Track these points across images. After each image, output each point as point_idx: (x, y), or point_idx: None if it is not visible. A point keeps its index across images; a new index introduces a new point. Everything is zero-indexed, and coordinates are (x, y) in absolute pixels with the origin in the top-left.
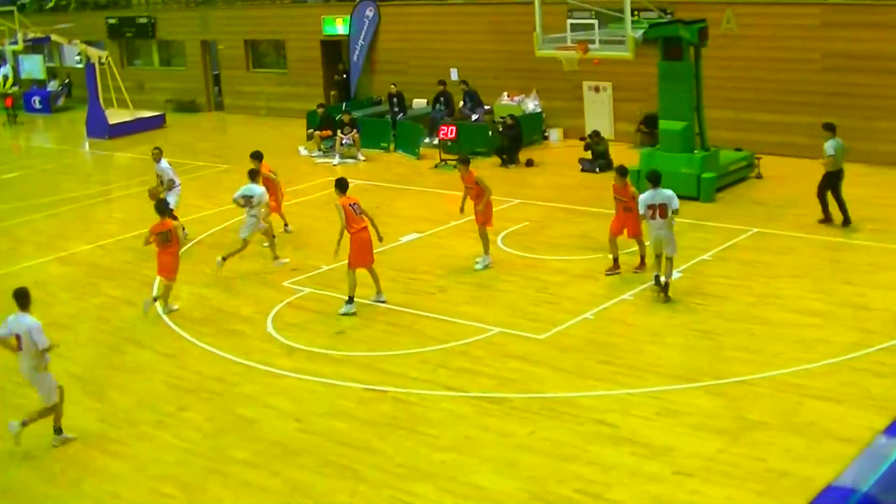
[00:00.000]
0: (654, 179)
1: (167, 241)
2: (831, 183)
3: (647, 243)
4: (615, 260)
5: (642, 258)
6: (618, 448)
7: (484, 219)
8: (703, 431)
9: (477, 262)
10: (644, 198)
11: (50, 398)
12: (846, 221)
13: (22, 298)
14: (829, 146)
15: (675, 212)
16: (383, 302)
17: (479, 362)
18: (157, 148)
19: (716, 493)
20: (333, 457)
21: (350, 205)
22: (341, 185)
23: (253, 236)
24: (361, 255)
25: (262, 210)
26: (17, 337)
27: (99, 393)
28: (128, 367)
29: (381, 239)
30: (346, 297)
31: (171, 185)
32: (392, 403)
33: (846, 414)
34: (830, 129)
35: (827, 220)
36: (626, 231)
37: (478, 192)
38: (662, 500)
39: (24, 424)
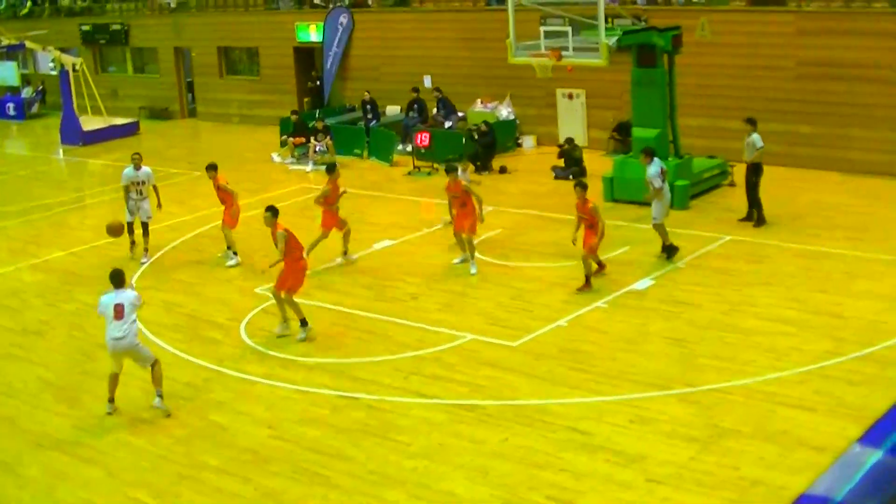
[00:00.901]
0: (651, 152)
1: None
2: (758, 176)
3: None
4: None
5: (588, 278)
6: (591, 455)
7: (470, 225)
8: (676, 439)
9: (466, 264)
10: (655, 171)
11: (151, 357)
12: (761, 220)
13: (117, 278)
14: (757, 139)
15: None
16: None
17: (452, 369)
18: (137, 154)
19: (688, 501)
20: (306, 463)
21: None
22: (274, 211)
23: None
24: (299, 282)
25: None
26: (119, 307)
27: (72, 399)
28: (101, 374)
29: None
30: (300, 321)
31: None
32: (365, 410)
33: (819, 422)
34: (752, 123)
35: (760, 220)
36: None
37: (464, 201)
38: None
39: (161, 395)
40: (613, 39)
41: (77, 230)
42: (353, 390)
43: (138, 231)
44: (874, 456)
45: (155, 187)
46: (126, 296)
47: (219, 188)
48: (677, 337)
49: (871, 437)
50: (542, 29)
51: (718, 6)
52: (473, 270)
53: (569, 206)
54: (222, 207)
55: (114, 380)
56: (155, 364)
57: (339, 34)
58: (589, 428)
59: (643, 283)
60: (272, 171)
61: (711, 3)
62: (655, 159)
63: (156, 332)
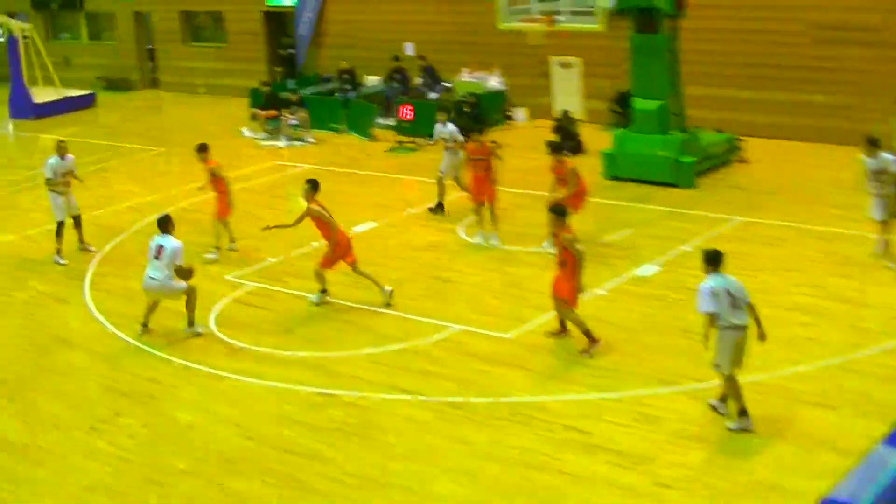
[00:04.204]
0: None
1: None
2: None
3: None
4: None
5: (563, 322)
6: (591, 457)
7: (491, 192)
8: (685, 439)
9: (488, 240)
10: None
11: (183, 288)
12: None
13: (164, 222)
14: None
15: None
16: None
17: (439, 363)
18: (62, 140)
19: None
20: (280, 466)
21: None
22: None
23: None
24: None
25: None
26: (160, 248)
27: (24, 396)
28: (57, 369)
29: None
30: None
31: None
32: (344, 408)
33: (842, 421)
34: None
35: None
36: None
37: (489, 164)
38: None
39: (192, 323)
40: (611, 2)
41: (30, 211)
42: (331, 386)
43: (70, 232)
44: None
45: (76, 176)
46: (169, 241)
47: (212, 173)
48: (686, 328)
49: None
50: None
51: None
52: (496, 242)
53: None
54: (212, 194)
55: (151, 307)
56: (190, 293)
57: None
58: (589, 427)
59: (648, 269)
60: (242, 147)
61: None
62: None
63: (116, 322)
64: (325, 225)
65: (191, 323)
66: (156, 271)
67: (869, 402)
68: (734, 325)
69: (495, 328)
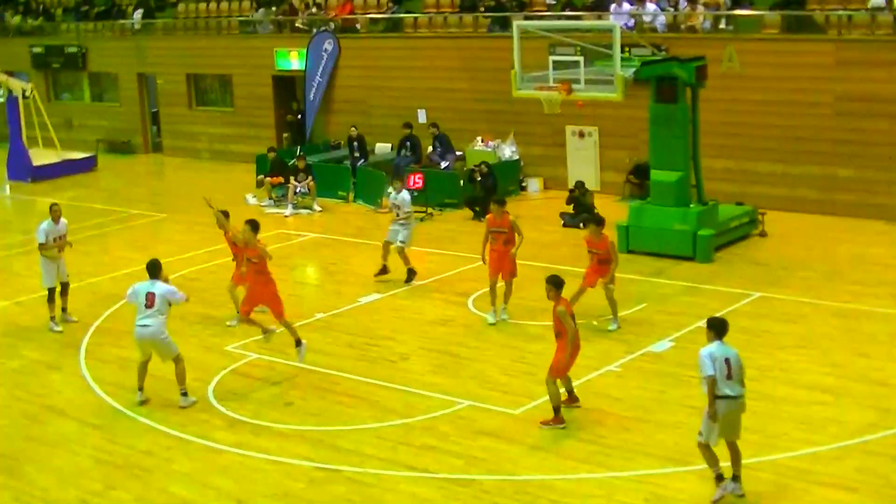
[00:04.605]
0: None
1: None
2: None
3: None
4: (569, 392)
5: (570, 392)
6: None
7: (512, 268)
8: None
9: (498, 315)
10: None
11: (175, 351)
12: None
13: (153, 268)
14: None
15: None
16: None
17: (445, 439)
18: (56, 204)
19: None
20: None
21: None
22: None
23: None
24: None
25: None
26: (151, 295)
27: (14, 468)
28: (48, 440)
29: None
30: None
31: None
32: (346, 484)
33: None
34: None
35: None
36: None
37: (509, 238)
38: None
39: (185, 394)
40: (630, 71)
41: (24, 277)
42: (333, 461)
43: (59, 300)
44: None
45: (68, 242)
46: (160, 287)
47: (234, 243)
48: (699, 406)
49: None
50: (550, 59)
51: (748, 34)
52: (504, 316)
53: (579, 258)
54: (227, 260)
55: (142, 368)
56: (178, 360)
57: (323, 62)
58: None
59: (662, 345)
60: (247, 215)
61: (740, 30)
62: None
63: (112, 392)
64: (258, 265)
65: (184, 393)
66: (147, 318)
67: (889, 486)
68: (726, 395)
69: (503, 404)
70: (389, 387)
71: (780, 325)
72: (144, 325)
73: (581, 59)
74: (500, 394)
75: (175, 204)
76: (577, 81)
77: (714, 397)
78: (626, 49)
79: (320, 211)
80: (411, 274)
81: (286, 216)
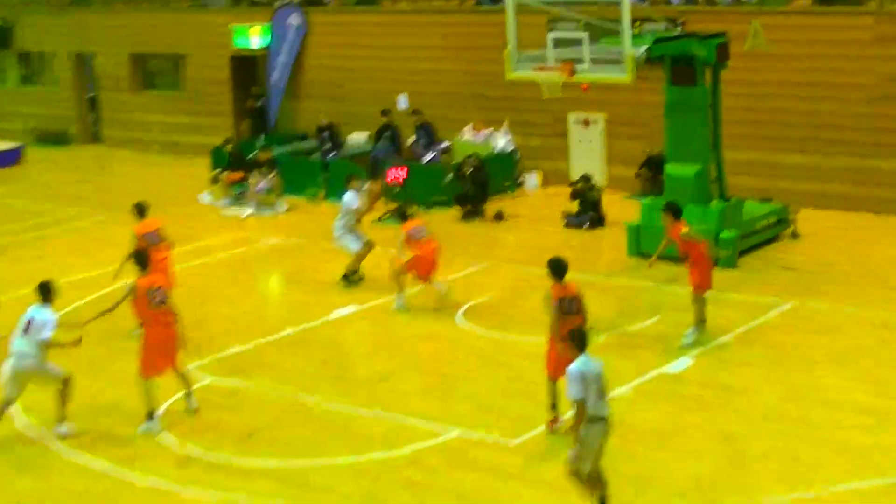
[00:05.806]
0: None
1: None
2: None
3: None
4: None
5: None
6: None
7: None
8: None
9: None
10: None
11: (58, 375)
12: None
13: (46, 291)
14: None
15: None
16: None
17: (432, 474)
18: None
19: None
20: None
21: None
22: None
23: None
24: (163, 356)
25: None
26: (30, 321)
27: None
28: None
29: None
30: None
31: None
32: None
33: None
34: None
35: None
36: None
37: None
38: None
39: (62, 420)
40: (641, 49)
41: None
42: (303, 501)
43: None
44: None
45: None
46: (42, 313)
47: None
48: (724, 431)
49: None
50: (550, 36)
51: (776, 6)
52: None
53: (582, 263)
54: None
55: (7, 402)
56: (65, 383)
57: (288, 40)
58: None
59: (679, 364)
60: (200, 215)
61: (766, 2)
62: None
63: (44, 421)
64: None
65: (60, 420)
66: (22, 347)
67: None
68: (601, 417)
69: (498, 432)
70: (368, 413)
71: (814, 337)
72: (22, 355)
73: (585, 35)
74: (494, 420)
75: (120, 201)
76: (580, 61)
77: (587, 422)
78: (638, 24)
79: (286, 210)
80: (348, 276)
81: (243, 217)
